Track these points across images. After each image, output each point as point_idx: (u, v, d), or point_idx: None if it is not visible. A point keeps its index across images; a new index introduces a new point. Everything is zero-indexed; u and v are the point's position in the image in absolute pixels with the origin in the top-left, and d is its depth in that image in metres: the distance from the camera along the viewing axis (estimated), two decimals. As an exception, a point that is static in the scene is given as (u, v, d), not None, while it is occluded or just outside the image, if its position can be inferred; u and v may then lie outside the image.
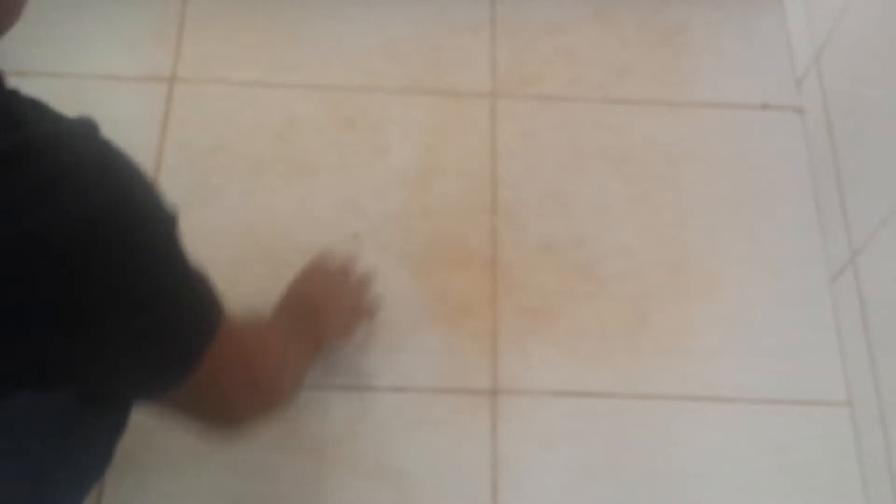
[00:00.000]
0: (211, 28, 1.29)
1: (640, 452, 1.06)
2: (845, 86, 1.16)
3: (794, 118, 1.27)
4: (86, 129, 0.58)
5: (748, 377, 1.10)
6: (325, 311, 1.00)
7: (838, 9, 1.16)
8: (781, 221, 1.20)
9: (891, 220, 1.01)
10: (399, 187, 1.20)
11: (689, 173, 1.23)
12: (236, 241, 1.16)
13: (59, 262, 0.54)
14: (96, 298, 0.57)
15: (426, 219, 1.18)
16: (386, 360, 1.10)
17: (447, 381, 1.09)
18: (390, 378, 1.09)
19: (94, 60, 1.25)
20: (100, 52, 1.26)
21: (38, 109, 0.56)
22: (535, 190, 1.21)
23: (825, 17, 1.21)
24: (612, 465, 1.06)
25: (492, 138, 1.24)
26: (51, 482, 0.75)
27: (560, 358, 1.11)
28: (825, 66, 1.21)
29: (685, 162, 1.23)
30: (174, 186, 1.17)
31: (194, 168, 1.20)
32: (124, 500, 1.02)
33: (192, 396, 0.71)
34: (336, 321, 1.03)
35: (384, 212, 1.18)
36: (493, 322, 1.12)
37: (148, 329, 0.62)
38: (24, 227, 0.52)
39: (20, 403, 0.60)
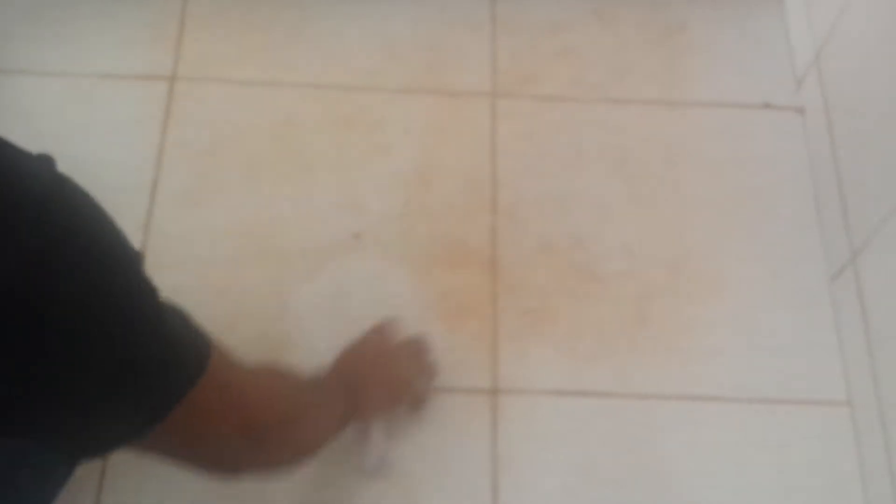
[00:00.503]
0: (211, 27, 1.29)
1: (639, 452, 1.06)
2: (846, 85, 1.16)
3: (795, 118, 1.26)
4: (40, 164, 0.55)
5: (748, 377, 1.10)
6: (370, 381, 0.97)
7: (838, 8, 1.16)
8: (781, 221, 1.20)
9: (891, 220, 1.01)
10: (399, 187, 1.20)
11: (688, 173, 1.23)
12: (236, 240, 1.16)
13: (8, 302, 0.50)
14: (46, 341, 0.52)
15: (426, 218, 1.18)
16: (386, 359, 1.09)
17: (447, 381, 1.08)
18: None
19: (95, 59, 1.25)
20: (100, 51, 1.26)
21: None
22: (535, 189, 1.21)
23: (825, 16, 1.21)
24: (612, 465, 1.06)
25: (492, 138, 1.24)
26: (17, 477, 0.73)
27: (560, 357, 1.11)
28: (826, 65, 1.21)
29: (685, 162, 1.23)
30: (174, 185, 1.18)
31: (194, 167, 1.20)
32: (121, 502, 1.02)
33: (179, 444, 0.67)
34: (379, 394, 0.99)
35: (384, 211, 1.18)
36: (493, 321, 1.12)
37: (109, 374, 0.57)
38: None
39: None
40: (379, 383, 0.99)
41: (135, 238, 0.67)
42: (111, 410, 0.60)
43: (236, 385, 0.71)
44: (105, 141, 1.20)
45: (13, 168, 0.52)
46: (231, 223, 1.17)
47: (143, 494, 1.02)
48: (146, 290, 0.60)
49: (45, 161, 0.55)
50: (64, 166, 0.56)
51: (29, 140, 0.57)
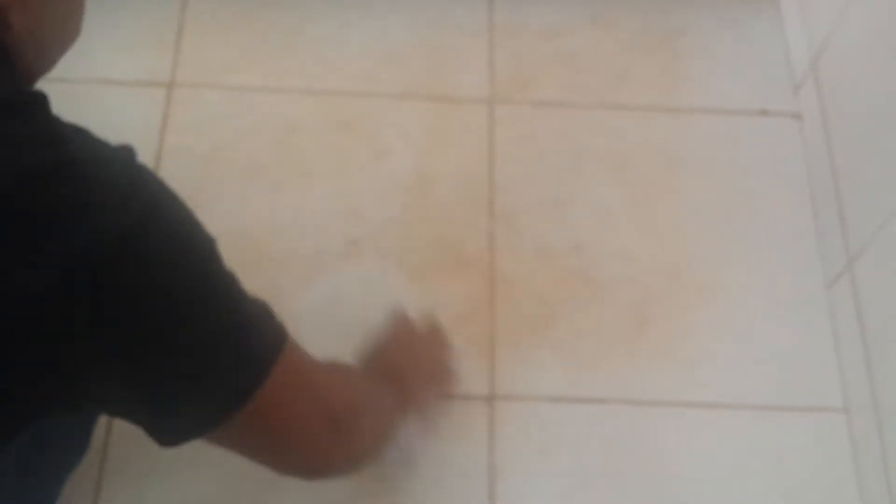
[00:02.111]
0: (209, 33, 1.29)
1: (637, 459, 1.06)
2: (843, 92, 1.16)
3: (792, 124, 1.27)
4: (123, 153, 0.59)
5: (745, 383, 1.10)
6: (411, 376, 0.95)
7: (835, 14, 1.17)
8: (778, 227, 1.20)
9: (888, 226, 1.01)
10: (397, 192, 1.20)
11: (686, 179, 1.23)
12: (234, 245, 1.14)
13: (98, 278, 0.54)
14: (134, 313, 0.56)
15: (424, 224, 1.18)
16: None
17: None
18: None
19: (93, 65, 1.25)
20: (99, 57, 1.26)
21: (80, 133, 0.58)
22: (533, 195, 1.21)
23: (822, 23, 1.21)
24: (609, 472, 1.06)
25: (490, 143, 1.24)
26: (28, 469, 0.74)
27: (558, 363, 1.11)
28: (823, 72, 1.21)
29: (683, 167, 1.24)
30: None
31: (193, 173, 1.20)
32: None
33: (263, 432, 0.67)
34: (420, 387, 0.97)
35: (382, 217, 1.18)
36: (491, 327, 1.12)
37: (191, 345, 0.59)
38: (64, 244, 0.53)
39: None
40: (420, 373, 0.98)
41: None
42: (190, 390, 0.61)
43: (312, 373, 0.72)
44: (103, 146, 1.19)
45: (99, 156, 0.57)
46: (229, 229, 1.15)
47: (141, 496, 1.02)
48: (224, 274, 0.63)
49: (127, 151, 0.59)
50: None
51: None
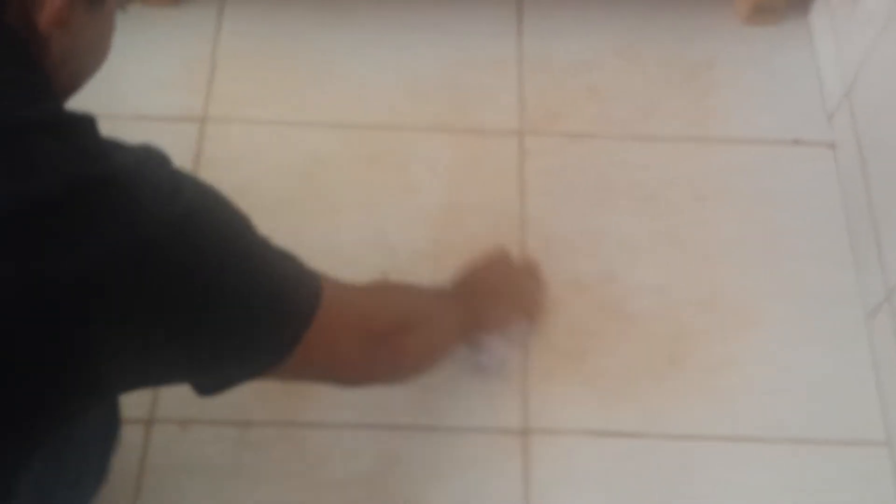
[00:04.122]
0: (240, 69, 1.31)
1: (673, 494, 1.05)
2: (878, 120, 1.15)
3: (826, 153, 1.25)
4: (158, 156, 0.66)
5: (783, 416, 1.09)
6: (493, 297, 1.04)
7: (869, 42, 1.16)
8: (815, 258, 1.18)
9: (927, 256, 0.99)
10: (427, 225, 1.20)
11: (719, 210, 1.22)
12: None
13: (159, 266, 0.60)
14: (194, 287, 0.63)
15: (454, 256, 1.17)
16: (415, 398, 1.09)
17: (478, 420, 1.08)
18: (420, 417, 1.08)
19: (127, 101, 1.26)
20: (133, 93, 1.27)
21: (117, 144, 0.64)
22: (564, 227, 1.20)
23: (855, 51, 1.20)
24: (645, 507, 1.04)
25: (519, 175, 1.24)
26: (48, 497, 0.75)
27: (591, 397, 1.10)
28: (857, 100, 1.20)
29: (715, 198, 1.23)
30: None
31: (224, 207, 1.20)
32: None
33: (310, 367, 0.77)
34: (499, 310, 1.05)
35: (412, 249, 1.18)
36: (524, 361, 1.11)
37: (244, 312, 0.68)
38: (119, 240, 0.58)
39: None
40: (506, 298, 1.06)
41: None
42: (242, 350, 0.71)
43: (351, 302, 0.82)
44: (136, 181, 1.21)
45: (142, 164, 0.63)
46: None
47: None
48: (260, 244, 0.73)
49: (161, 153, 0.66)
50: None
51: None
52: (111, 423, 0.89)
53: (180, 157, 1.21)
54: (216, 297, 0.65)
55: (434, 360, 0.95)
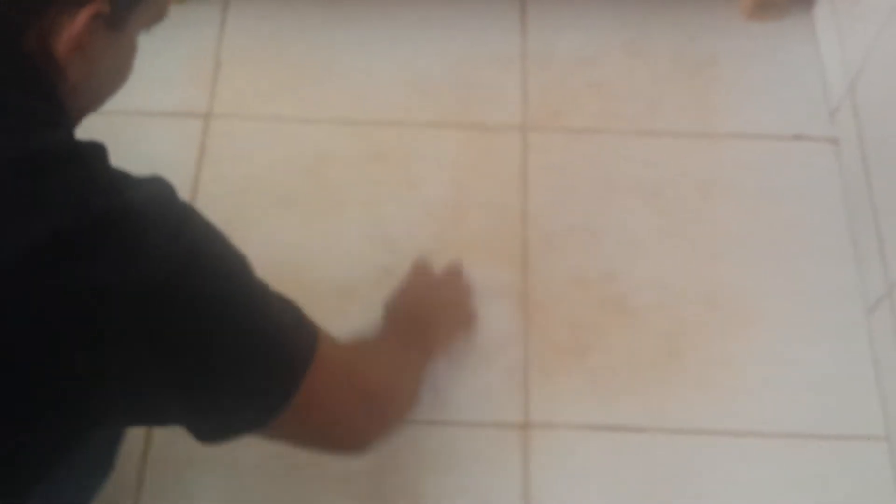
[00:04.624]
0: (245, 65, 1.32)
1: (673, 488, 1.05)
2: (880, 116, 1.15)
3: (829, 149, 1.26)
4: (165, 191, 0.66)
5: (784, 411, 1.09)
6: (435, 320, 1.02)
7: (872, 38, 1.16)
8: (816, 253, 1.18)
9: (928, 252, 1.00)
10: (430, 221, 1.20)
11: (722, 205, 1.22)
12: (267, 274, 1.15)
13: (160, 306, 0.60)
14: (193, 329, 0.63)
15: (457, 252, 1.18)
16: (416, 393, 1.09)
17: (478, 415, 1.08)
18: (421, 411, 1.08)
19: (132, 97, 1.25)
20: (138, 90, 1.26)
21: (126, 176, 0.64)
22: (567, 223, 1.21)
23: (858, 47, 1.20)
24: (645, 501, 1.04)
25: (523, 171, 1.24)
26: (54, 492, 0.75)
27: (592, 392, 1.10)
28: (859, 96, 1.20)
29: (718, 194, 1.23)
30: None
31: (228, 202, 1.21)
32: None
33: (306, 424, 0.74)
34: (445, 332, 1.05)
35: (415, 245, 1.18)
36: (525, 355, 1.12)
37: (244, 357, 0.67)
38: (123, 277, 0.59)
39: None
40: (442, 318, 1.04)
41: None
42: (235, 399, 0.69)
43: (344, 364, 0.79)
44: (141, 177, 1.21)
45: (148, 201, 0.63)
46: (263, 257, 1.17)
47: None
48: (258, 288, 0.71)
49: (169, 189, 0.66)
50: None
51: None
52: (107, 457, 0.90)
53: (184, 154, 1.24)
54: (215, 341, 0.65)
55: (415, 405, 0.93)
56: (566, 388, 1.10)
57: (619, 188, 1.23)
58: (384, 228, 1.20)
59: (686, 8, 1.36)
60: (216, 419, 0.71)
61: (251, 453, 1.05)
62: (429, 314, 1.02)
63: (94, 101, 0.71)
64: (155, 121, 1.26)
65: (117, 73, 0.72)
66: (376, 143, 1.26)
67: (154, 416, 0.70)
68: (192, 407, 0.68)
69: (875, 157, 1.15)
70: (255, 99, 1.29)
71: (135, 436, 1.04)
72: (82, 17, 0.63)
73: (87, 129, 0.69)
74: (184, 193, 1.20)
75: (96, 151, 0.63)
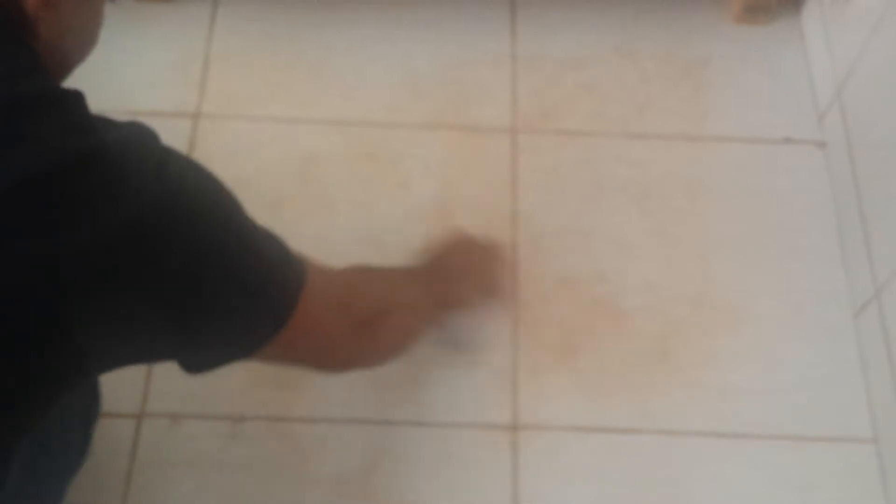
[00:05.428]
0: (235, 65, 1.31)
1: (662, 489, 1.05)
2: (868, 120, 1.16)
3: (817, 152, 1.26)
4: (146, 132, 0.65)
5: (772, 413, 1.09)
6: (459, 277, 1.04)
7: (860, 43, 1.16)
8: (804, 256, 1.19)
9: (915, 255, 1.00)
10: (420, 221, 1.20)
11: (710, 208, 1.22)
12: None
13: (145, 245, 0.60)
14: (182, 265, 0.63)
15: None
16: (405, 393, 1.09)
17: (467, 416, 1.08)
18: (410, 412, 1.08)
19: (121, 96, 1.27)
20: (126, 89, 1.28)
21: (106, 119, 0.64)
22: (556, 224, 1.21)
23: (847, 51, 1.21)
24: (634, 502, 1.04)
25: (512, 173, 1.24)
26: (31, 473, 0.75)
27: (581, 393, 1.10)
28: (847, 100, 1.21)
29: (707, 196, 1.23)
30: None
31: (217, 202, 1.21)
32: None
33: (294, 351, 0.77)
34: (465, 289, 1.06)
35: (405, 246, 1.18)
36: (514, 356, 1.12)
37: (232, 292, 0.68)
38: (106, 217, 0.58)
39: None
40: (469, 277, 1.06)
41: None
42: (227, 331, 0.70)
43: (333, 286, 0.82)
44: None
45: (128, 140, 0.62)
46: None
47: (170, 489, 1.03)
48: (248, 224, 0.71)
49: (147, 129, 0.66)
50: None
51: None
52: (91, 395, 0.90)
53: (174, 153, 1.23)
54: (203, 277, 0.65)
55: (409, 342, 0.96)
56: (555, 389, 1.10)
57: (609, 190, 1.24)
58: (374, 229, 1.20)
59: (676, 11, 1.37)
60: (204, 353, 0.73)
61: (241, 453, 1.05)
62: (456, 268, 1.04)
63: (63, 65, 0.71)
64: (144, 120, 1.24)
65: (87, 37, 0.72)
66: (367, 144, 1.26)
67: (142, 354, 0.70)
68: (180, 342, 0.68)
69: (863, 160, 1.16)
70: (245, 99, 1.29)
71: (122, 436, 1.04)
72: None
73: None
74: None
75: (76, 97, 0.63)
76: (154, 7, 1.33)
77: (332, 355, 0.85)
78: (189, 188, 0.65)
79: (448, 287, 1.02)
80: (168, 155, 0.65)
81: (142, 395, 1.07)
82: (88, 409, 0.89)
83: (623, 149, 1.27)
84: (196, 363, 0.74)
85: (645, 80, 1.32)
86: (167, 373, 1.07)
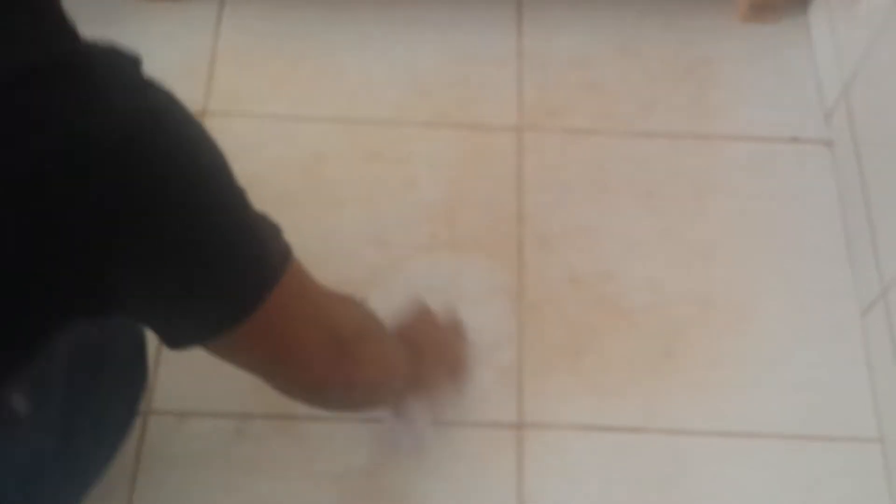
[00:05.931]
0: (241, 63, 1.31)
1: (667, 489, 1.05)
2: (875, 119, 1.15)
3: (823, 151, 1.26)
4: (131, 55, 0.60)
5: (777, 412, 1.09)
6: (430, 357, 0.97)
7: (867, 41, 1.16)
8: (811, 255, 1.19)
9: (922, 255, 1.00)
10: (425, 220, 1.20)
11: (717, 206, 1.22)
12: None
13: (113, 164, 0.53)
14: (148, 196, 0.55)
15: (452, 252, 1.18)
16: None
17: (473, 415, 1.08)
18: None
19: (127, 95, 1.27)
20: (132, 87, 1.28)
21: (96, 40, 0.58)
22: (562, 223, 1.21)
23: (854, 50, 1.20)
24: (639, 501, 1.04)
25: (518, 171, 1.24)
26: (50, 479, 0.74)
27: (587, 392, 1.10)
28: (854, 98, 1.20)
29: (713, 195, 1.23)
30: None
31: (223, 201, 1.21)
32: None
33: (265, 345, 0.68)
34: (435, 372, 1.00)
35: (411, 245, 1.19)
36: (520, 355, 1.12)
37: (198, 248, 0.59)
38: (76, 131, 0.52)
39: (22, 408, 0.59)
40: (437, 359, 1.00)
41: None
42: (203, 295, 0.61)
43: (316, 294, 0.72)
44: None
45: (108, 57, 0.57)
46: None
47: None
48: (234, 187, 0.63)
49: (136, 61, 0.60)
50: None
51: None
52: (137, 369, 0.87)
53: (180, 151, 1.23)
54: (171, 222, 0.57)
55: (387, 384, 0.86)
56: (560, 388, 1.10)
57: (614, 189, 1.23)
58: (380, 227, 1.20)
59: (682, 10, 1.37)
60: (179, 316, 0.64)
61: (247, 451, 1.05)
62: (424, 349, 0.95)
63: None
64: (150, 118, 1.26)
65: None
66: (373, 143, 1.26)
67: (104, 304, 0.60)
68: (151, 295, 0.60)
69: (869, 159, 1.15)
70: (251, 97, 1.29)
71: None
72: None
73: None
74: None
75: (54, 3, 0.57)
76: (161, 6, 1.33)
77: (305, 369, 0.73)
78: (168, 123, 0.59)
79: (421, 369, 0.93)
80: (152, 81, 0.60)
81: (148, 392, 1.07)
82: (134, 378, 0.85)
83: (628, 148, 1.27)
84: (171, 331, 0.65)
85: (651, 79, 1.32)
86: (174, 371, 1.08)
